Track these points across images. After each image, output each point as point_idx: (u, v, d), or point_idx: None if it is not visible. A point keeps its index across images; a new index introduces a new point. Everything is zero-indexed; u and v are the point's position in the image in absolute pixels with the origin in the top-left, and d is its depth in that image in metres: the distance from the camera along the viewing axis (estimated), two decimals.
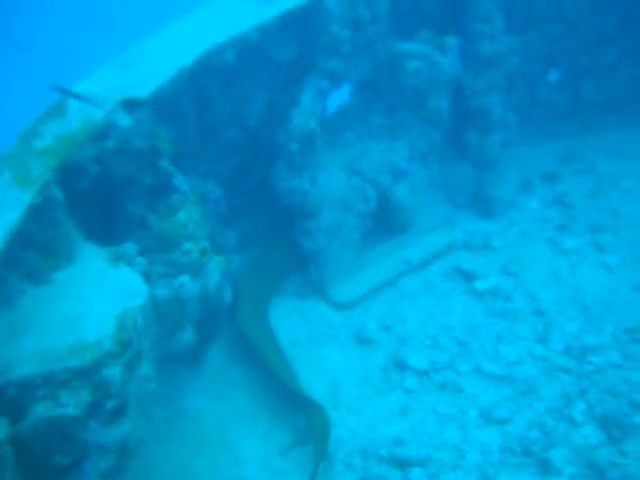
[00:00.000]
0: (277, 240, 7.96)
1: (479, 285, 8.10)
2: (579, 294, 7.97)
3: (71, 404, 4.38)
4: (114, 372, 4.55)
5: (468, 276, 8.23)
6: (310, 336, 7.56)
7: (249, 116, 7.30)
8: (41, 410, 4.33)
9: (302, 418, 6.62)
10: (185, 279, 5.73)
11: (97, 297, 4.91)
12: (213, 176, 7.14)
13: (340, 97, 8.31)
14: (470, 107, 8.83)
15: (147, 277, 5.31)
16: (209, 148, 7.15)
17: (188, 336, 5.96)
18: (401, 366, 7.18)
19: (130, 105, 5.59)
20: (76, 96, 5.35)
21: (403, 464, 6.31)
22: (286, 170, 7.19)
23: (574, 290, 8.04)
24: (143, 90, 5.75)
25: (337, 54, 7.28)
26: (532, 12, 9.34)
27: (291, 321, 7.70)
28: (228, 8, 6.68)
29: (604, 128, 10.26)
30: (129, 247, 5.47)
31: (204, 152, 7.10)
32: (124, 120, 5.49)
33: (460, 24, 8.63)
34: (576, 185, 9.60)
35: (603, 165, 9.86)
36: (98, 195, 5.66)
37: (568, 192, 9.45)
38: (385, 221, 8.46)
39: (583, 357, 7.14)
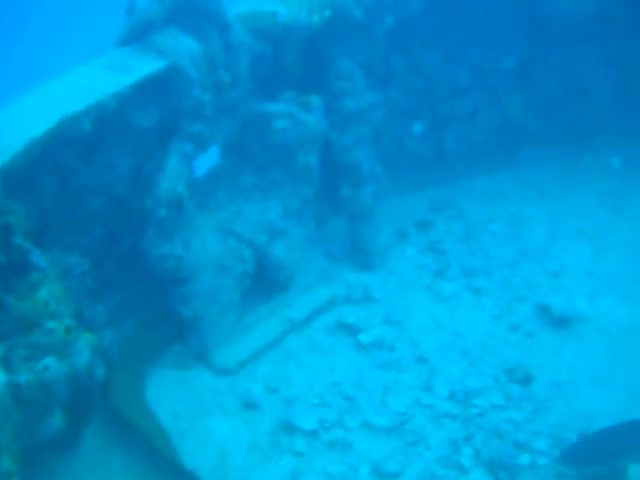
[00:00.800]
0: (152, 310, 7.68)
1: (363, 338, 8.11)
2: (459, 338, 8.12)
3: None
4: None
5: (352, 330, 8.23)
6: (195, 406, 7.29)
7: (114, 183, 7.09)
8: None
9: None
10: (50, 361, 5.39)
11: None
12: (79, 248, 6.84)
13: (210, 159, 8.25)
14: (340, 162, 8.97)
15: (7, 363, 4.98)
16: (73, 219, 6.89)
17: (57, 421, 5.60)
18: (289, 428, 7.04)
19: None
20: None
21: None
22: (156, 237, 7.01)
23: (455, 335, 8.19)
24: None
25: (201, 117, 7.22)
26: (391, 69, 9.63)
27: (174, 393, 7.41)
28: (84, 77, 6.53)
29: (469, 175, 10.65)
30: None
31: (67, 223, 6.83)
32: None
33: (323, 83, 8.78)
34: (448, 231, 9.87)
35: (472, 210, 10.21)
36: None
37: (442, 239, 9.71)
38: (265, 281, 8.37)
39: (467, 401, 7.24)
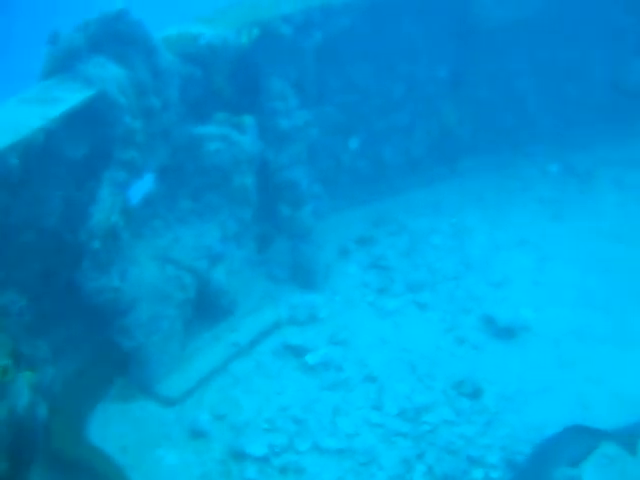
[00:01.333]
0: (94, 345, 7.45)
1: (310, 359, 8.00)
2: (406, 354, 8.08)
3: None
4: None
5: (298, 351, 8.11)
6: (141, 439, 7.03)
7: (45, 217, 6.87)
8: None
9: None
10: None
11: None
12: (14, 284, 6.58)
13: (144, 185, 8.08)
14: (277, 182, 8.89)
15: None
16: (5, 255, 6.64)
17: None
18: (240, 455, 6.85)
19: None
20: None
21: None
22: (91, 269, 6.79)
23: (401, 350, 8.15)
24: None
25: (132, 144, 7.05)
26: (324, 85, 9.60)
27: (119, 426, 7.14)
28: (8, 112, 6.31)
29: (409, 188, 10.68)
30: None
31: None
32: None
33: (256, 103, 8.70)
34: (390, 246, 9.86)
35: (413, 223, 10.24)
36: None
37: (384, 254, 9.69)
38: (208, 307, 8.21)
39: (418, 418, 7.20)
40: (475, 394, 7.40)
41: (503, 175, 10.98)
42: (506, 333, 8.17)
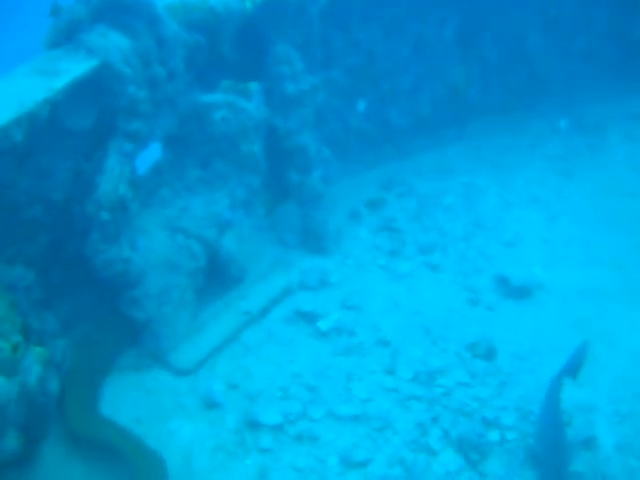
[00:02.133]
0: (104, 315, 7.46)
1: (322, 325, 7.98)
2: (419, 317, 8.05)
3: None
4: None
5: (310, 317, 8.09)
6: (155, 410, 7.05)
7: (53, 190, 6.82)
8: None
9: None
10: None
11: None
12: (22, 259, 6.58)
13: (153, 154, 8.01)
14: (286, 147, 8.80)
15: None
16: (12, 230, 6.62)
17: (11, 442, 5.40)
18: (254, 425, 6.86)
19: None
20: None
21: None
22: (100, 241, 6.76)
23: (414, 314, 8.12)
24: None
25: (137, 115, 6.97)
26: (330, 49, 9.46)
27: (132, 397, 7.16)
28: (12, 85, 6.23)
29: (418, 150, 10.60)
30: None
31: (7, 235, 6.56)
32: None
33: (262, 69, 8.59)
34: (401, 209, 9.81)
35: (422, 186, 10.19)
36: None
37: (394, 217, 9.64)
38: (218, 275, 8.18)
39: (432, 381, 7.18)
40: (489, 355, 7.40)
41: (513, 134, 10.92)
42: (518, 292, 8.14)
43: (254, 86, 8.13)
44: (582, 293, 8.05)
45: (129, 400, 7.14)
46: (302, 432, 6.78)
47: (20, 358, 5.48)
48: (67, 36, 6.71)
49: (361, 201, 9.93)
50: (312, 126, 8.85)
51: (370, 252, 9.14)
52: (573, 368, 6.28)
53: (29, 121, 5.83)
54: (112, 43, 6.65)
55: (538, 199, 9.69)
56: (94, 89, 6.73)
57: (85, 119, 6.82)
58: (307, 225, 9.08)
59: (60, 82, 6.18)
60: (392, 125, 10.55)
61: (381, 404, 7.01)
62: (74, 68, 6.40)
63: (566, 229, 9.10)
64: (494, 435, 6.55)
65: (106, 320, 7.47)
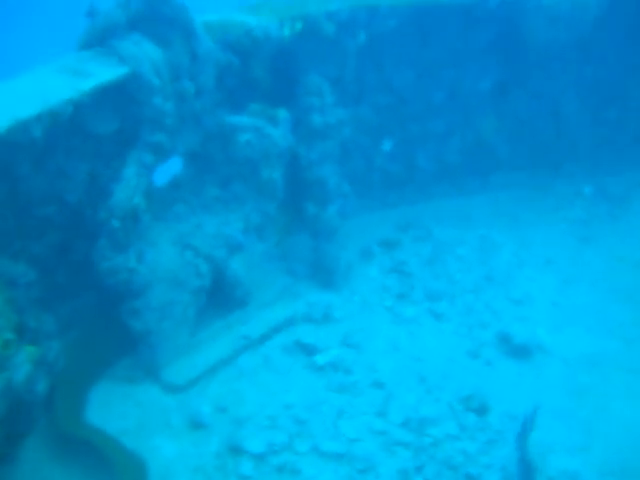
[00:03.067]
0: (102, 321, 7.46)
1: (320, 359, 7.94)
2: (418, 363, 7.97)
3: None
4: None
5: (309, 350, 8.05)
6: (141, 423, 7.04)
7: (68, 191, 6.89)
8: None
9: None
10: None
11: None
12: (28, 256, 6.61)
13: (171, 168, 8.06)
14: (307, 178, 8.81)
15: None
16: (23, 226, 6.66)
17: None
18: (237, 450, 6.81)
19: None
20: None
21: None
22: (108, 248, 6.79)
23: (413, 359, 8.04)
24: None
25: (162, 127, 7.03)
26: (363, 85, 9.50)
27: (121, 408, 7.16)
28: (39, 80, 6.31)
29: (440, 195, 10.55)
30: None
31: (17, 230, 6.60)
32: None
33: (293, 97, 8.64)
34: (414, 253, 9.75)
35: (439, 233, 10.13)
36: None
37: (407, 260, 9.60)
38: (222, 296, 8.17)
39: (421, 429, 7.09)
40: (482, 410, 7.29)
41: (537, 192, 10.82)
42: (520, 352, 8.03)
43: (283, 113, 8.18)
44: (584, 361, 7.91)
45: (117, 410, 7.14)
46: (284, 464, 6.71)
47: (10, 355, 5.47)
48: (101, 39, 6.80)
49: (376, 240, 9.90)
50: (335, 160, 8.87)
51: (378, 292, 9.08)
52: (524, 433, 6.19)
53: (51, 118, 5.89)
54: (144, 53, 6.74)
55: (553, 261, 9.59)
56: (121, 96, 6.80)
57: (109, 124, 6.90)
58: (318, 258, 9.05)
59: (87, 84, 6.25)
60: (417, 168, 10.53)
61: (367, 446, 6.93)
62: (103, 72, 6.48)
63: (577, 294, 8.97)
64: None
65: (99, 327, 7.45)
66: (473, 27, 9.76)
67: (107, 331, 7.45)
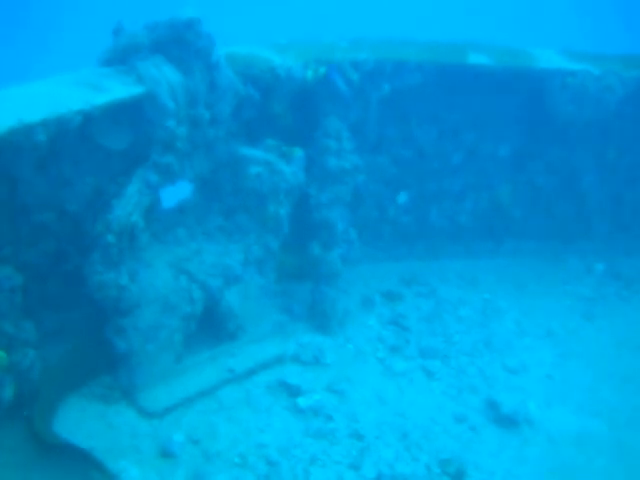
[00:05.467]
0: (86, 336, 7.40)
1: (302, 401, 7.78)
2: (401, 419, 7.79)
3: None
4: None
5: (293, 391, 7.90)
6: (110, 446, 6.85)
7: (69, 201, 6.90)
8: None
9: None
10: None
11: None
12: (16, 261, 6.57)
13: (179, 193, 8.08)
14: (314, 219, 8.78)
15: None
16: (17, 230, 6.67)
17: None
18: None
19: None
20: None
21: None
22: (100, 262, 6.76)
23: (397, 415, 7.86)
24: None
25: (172, 150, 7.06)
26: (383, 135, 9.52)
27: (91, 426, 7.01)
28: (52, 88, 6.38)
29: (447, 255, 10.50)
30: None
31: (10, 234, 6.61)
32: None
33: (312, 137, 8.67)
34: (415, 308, 9.66)
35: (444, 291, 10.05)
36: None
37: (406, 314, 9.48)
38: (213, 326, 8.11)
39: None
40: (458, 476, 7.06)
41: (546, 264, 10.73)
42: (507, 421, 7.80)
43: (298, 152, 8.20)
44: (569, 439, 7.67)
45: (87, 429, 6.98)
46: None
47: None
48: (122, 58, 6.89)
49: (378, 290, 9.83)
50: (345, 205, 8.84)
51: (372, 342, 8.96)
52: None
53: (57, 126, 5.92)
54: (163, 75, 6.80)
55: (553, 334, 9.41)
56: (135, 115, 6.84)
57: (120, 141, 6.93)
58: (316, 300, 8.97)
59: (100, 98, 6.31)
60: (429, 224, 10.49)
61: None
62: (119, 89, 6.54)
63: (573, 371, 8.75)
64: None
65: (86, 340, 7.39)
66: (498, 92, 9.76)
67: (91, 347, 7.37)
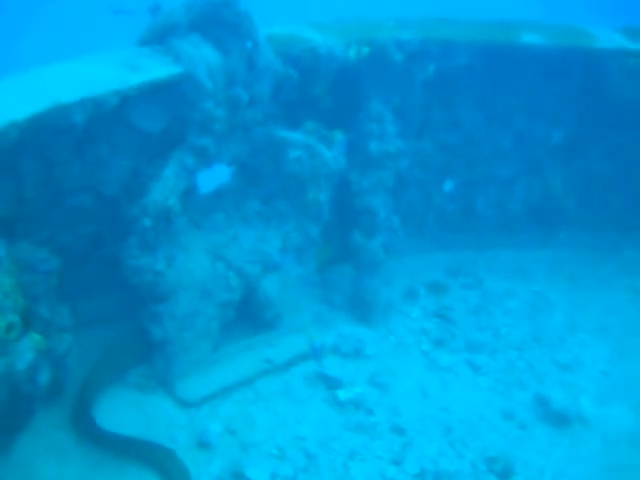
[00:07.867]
0: (124, 323, 7.23)
1: (342, 394, 7.53)
2: (445, 414, 7.51)
3: None
4: None
5: (332, 383, 7.66)
6: (145, 435, 6.68)
7: (106, 184, 6.73)
8: None
9: None
10: None
11: None
12: (56, 244, 6.43)
13: (217, 177, 7.86)
14: (356, 205, 8.50)
15: None
16: (54, 214, 6.52)
17: None
18: (238, 476, 6.43)
19: None
20: None
21: None
22: (137, 247, 6.59)
23: (441, 409, 7.58)
24: None
25: (209, 132, 6.84)
26: (428, 119, 9.17)
27: (128, 416, 6.85)
28: (89, 68, 6.20)
29: (495, 245, 10.09)
30: None
31: (48, 217, 6.46)
32: None
33: (353, 120, 8.38)
34: (461, 300, 9.34)
35: (490, 283, 9.66)
36: None
37: (452, 306, 9.16)
38: (250, 314, 7.88)
39: None
40: (505, 474, 6.76)
41: (601, 255, 10.23)
42: (557, 419, 7.45)
43: (338, 135, 7.93)
44: (627, 439, 7.28)
45: (123, 418, 6.82)
46: None
47: (13, 339, 5.24)
48: (160, 37, 6.70)
49: (423, 281, 9.50)
50: (388, 191, 8.53)
51: (416, 335, 8.66)
52: None
53: (94, 106, 5.74)
54: (201, 55, 6.58)
55: (609, 329, 8.97)
56: (172, 96, 6.64)
57: (156, 122, 6.74)
58: (358, 290, 8.69)
59: (137, 78, 6.12)
60: (475, 213, 10.10)
61: None
62: (156, 69, 6.34)
63: (630, 368, 8.33)
64: None
65: (125, 328, 7.23)
66: (552, 74, 9.33)
67: (131, 335, 7.20)
